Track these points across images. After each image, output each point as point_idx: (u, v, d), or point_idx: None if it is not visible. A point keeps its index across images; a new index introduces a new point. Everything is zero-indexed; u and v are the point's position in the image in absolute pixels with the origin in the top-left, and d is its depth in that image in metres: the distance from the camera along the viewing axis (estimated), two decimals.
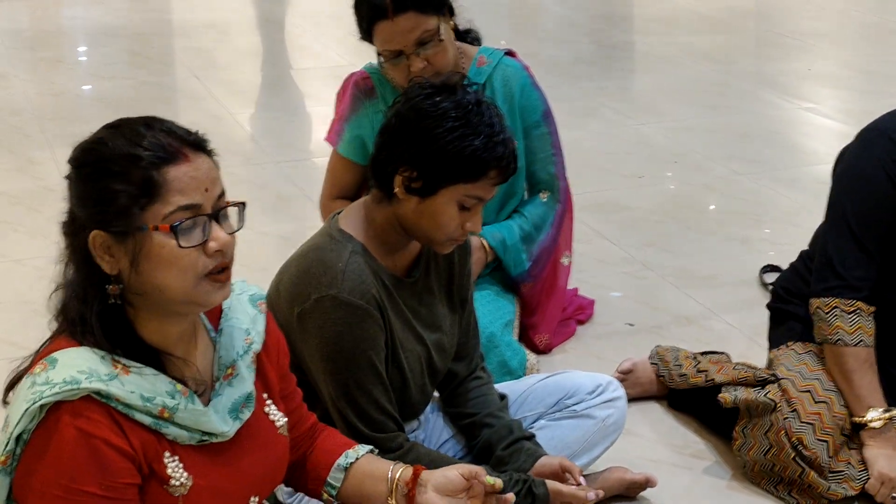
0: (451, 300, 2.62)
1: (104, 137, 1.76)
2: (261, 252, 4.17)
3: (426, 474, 2.10)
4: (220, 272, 1.80)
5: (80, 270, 1.79)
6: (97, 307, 1.76)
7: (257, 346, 1.99)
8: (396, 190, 2.35)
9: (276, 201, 4.80)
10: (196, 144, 1.79)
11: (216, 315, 1.98)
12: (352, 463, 2.16)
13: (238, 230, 1.83)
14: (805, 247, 4.18)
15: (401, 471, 2.12)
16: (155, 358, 1.81)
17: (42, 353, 1.78)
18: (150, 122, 1.78)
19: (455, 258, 2.60)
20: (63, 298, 1.81)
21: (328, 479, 2.16)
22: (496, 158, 2.32)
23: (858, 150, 2.93)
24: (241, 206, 1.84)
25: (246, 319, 2.00)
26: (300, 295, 2.36)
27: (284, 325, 2.37)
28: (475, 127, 2.30)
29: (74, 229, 1.78)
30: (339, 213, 2.48)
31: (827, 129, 5.85)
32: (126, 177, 1.71)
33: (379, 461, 2.18)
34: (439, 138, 2.29)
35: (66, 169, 1.80)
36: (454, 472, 2.07)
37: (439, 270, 2.57)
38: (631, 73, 6.96)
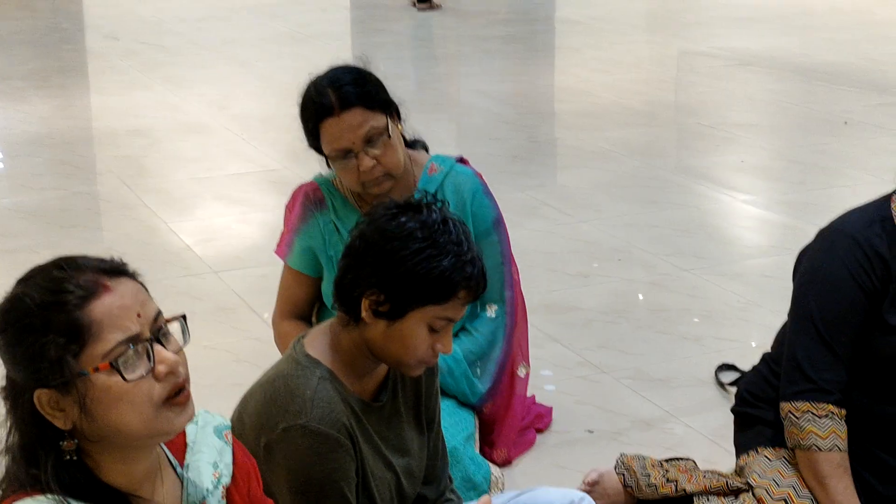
0: (419, 422, 2.53)
1: (19, 293, 1.67)
2: (206, 367, 4.05)
3: None
4: (178, 394, 1.71)
5: (27, 433, 1.69)
6: (52, 467, 1.66)
7: (226, 480, 1.90)
8: (363, 314, 2.27)
9: (216, 313, 4.68)
10: (113, 271, 1.70)
11: (181, 449, 1.89)
12: None
13: (185, 345, 1.76)
14: (758, 343, 4.19)
15: None
16: (123, 501, 1.71)
17: None
18: (61, 263, 1.70)
19: (422, 378, 2.51)
20: (8, 465, 1.71)
21: None
22: (465, 279, 2.25)
23: (821, 251, 2.90)
24: (182, 319, 1.76)
25: (213, 452, 1.91)
26: (266, 425, 2.26)
27: None
28: (442, 247, 2.24)
29: (15, 393, 1.68)
30: (304, 337, 2.39)
31: (766, 222, 5.88)
32: (49, 327, 1.63)
33: None
34: (406, 260, 2.22)
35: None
36: None
37: (406, 392, 2.49)
38: (566, 170, 6.97)
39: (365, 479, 2.34)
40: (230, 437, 1.96)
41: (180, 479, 1.86)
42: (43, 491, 1.65)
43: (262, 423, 2.27)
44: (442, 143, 5.36)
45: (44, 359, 1.63)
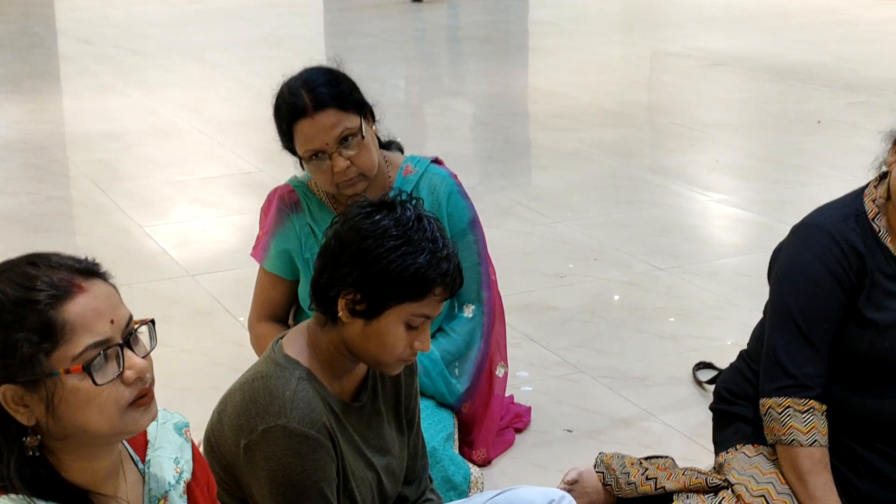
0: (399, 421, 2.53)
1: None
2: (182, 371, 4.04)
3: None
4: (143, 396, 1.72)
5: None
6: (15, 462, 1.66)
7: (187, 475, 1.92)
8: (340, 314, 2.26)
9: (193, 316, 4.66)
10: (88, 271, 1.70)
11: (142, 446, 1.91)
12: None
13: (152, 349, 1.77)
14: (734, 340, 4.20)
15: None
16: (84, 499, 1.72)
17: None
18: (35, 260, 1.69)
19: (401, 378, 2.51)
20: None
21: None
22: (441, 275, 2.25)
23: (797, 246, 2.91)
24: (151, 323, 1.77)
25: (174, 448, 1.93)
26: (246, 426, 2.25)
27: (229, 457, 2.28)
28: (417, 244, 2.24)
29: None
30: (282, 338, 2.38)
31: (741, 221, 5.90)
32: (23, 324, 1.62)
33: None
34: (381, 258, 2.22)
35: None
36: None
37: (386, 391, 2.48)
38: (542, 170, 6.98)
39: (346, 479, 2.33)
40: (189, 434, 1.98)
41: (142, 475, 1.88)
42: (6, 490, 1.65)
43: (242, 425, 2.26)
44: (417, 144, 5.37)
45: (15, 355, 1.62)
